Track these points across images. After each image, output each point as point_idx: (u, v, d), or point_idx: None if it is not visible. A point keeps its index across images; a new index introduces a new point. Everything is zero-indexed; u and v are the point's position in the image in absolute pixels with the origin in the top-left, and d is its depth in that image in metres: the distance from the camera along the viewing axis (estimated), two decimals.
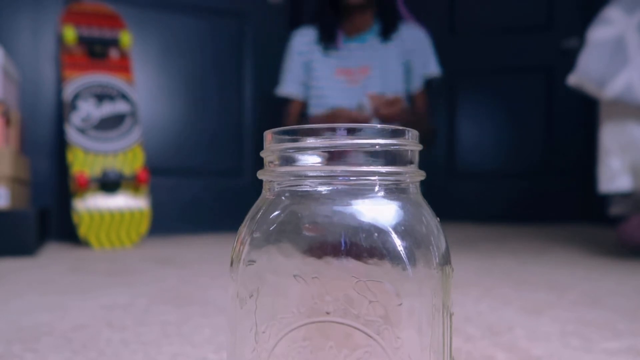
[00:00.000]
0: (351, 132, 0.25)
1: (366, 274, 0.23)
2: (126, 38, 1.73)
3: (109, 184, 1.59)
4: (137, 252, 1.43)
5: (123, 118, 1.68)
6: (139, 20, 1.89)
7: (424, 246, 0.25)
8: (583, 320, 0.66)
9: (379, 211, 0.25)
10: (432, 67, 1.60)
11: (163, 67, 1.96)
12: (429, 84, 1.63)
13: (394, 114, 1.40)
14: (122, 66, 1.74)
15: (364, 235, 0.24)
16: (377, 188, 0.25)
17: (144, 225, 1.61)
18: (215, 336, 0.58)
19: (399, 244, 0.24)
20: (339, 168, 0.25)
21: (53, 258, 1.29)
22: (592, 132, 1.97)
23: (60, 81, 1.74)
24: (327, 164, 0.25)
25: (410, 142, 0.26)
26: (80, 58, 1.69)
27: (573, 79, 1.30)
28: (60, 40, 1.71)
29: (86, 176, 1.54)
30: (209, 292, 0.85)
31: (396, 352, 0.23)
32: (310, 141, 0.25)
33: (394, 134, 0.26)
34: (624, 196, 1.34)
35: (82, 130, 1.62)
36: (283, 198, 0.26)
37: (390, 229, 0.24)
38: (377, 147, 0.25)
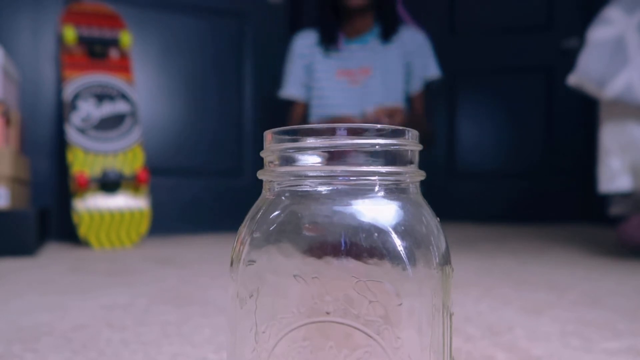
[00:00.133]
0: (351, 132, 0.25)
1: (366, 274, 0.23)
2: (126, 38, 1.73)
3: (109, 184, 1.59)
4: (137, 252, 1.43)
5: (123, 118, 1.68)
6: (139, 20, 1.89)
7: (424, 246, 0.25)
8: (583, 320, 0.66)
9: (379, 211, 0.25)
10: (432, 70, 1.61)
11: (163, 67, 1.96)
12: (428, 86, 1.63)
13: (394, 124, 1.41)
14: (122, 66, 1.74)
15: (364, 235, 0.24)
16: (377, 188, 0.25)
17: (144, 225, 1.61)
18: (215, 336, 0.58)
19: (399, 244, 0.24)
20: (339, 168, 0.25)
21: (53, 258, 1.29)
22: (592, 132, 1.97)
23: (60, 81, 1.74)
24: (327, 164, 0.25)
25: (410, 142, 0.26)
26: (80, 58, 1.69)
27: (573, 79, 1.30)
28: (60, 40, 1.71)
29: (86, 176, 1.54)
30: (209, 292, 0.85)
31: (396, 352, 0.23)
32: (310, 141, 0.25)
33: (394, 134, 0.26)
34: (624, 196, 1.34)
35: (82, 130, 1.62)
36: (283, 198, 0.26)
37: (390, 229, 0.24)
38: (377, 147, 0.25)
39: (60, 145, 1.76)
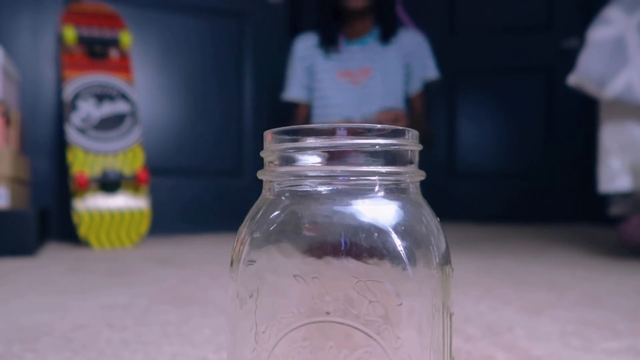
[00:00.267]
0: (351, 132, 0.25)
1: (366, 274, 0.23)
2: (126, 38, 1.73)
3: (109, 184, 1.59)
4: (137, 252, 1.43)
5: (123, 118, 1.68)
6: (139, 20, 1.89)
7: (424, 246, 0.25)
8: (583, 320, 0.66)
9: (379, 211, 0.25)
10: (431, 71, 1.62)
11: (163, 67, 1.96)
12: (427, 86, 1.64)
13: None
14: (122, 66, 1.74)
15: (364, 235, 0.24)
16: (377, 188, 0.25)
17: (144, 225, 1.61)
18: (215, 336, 0.58)
19: (399, 244, 0.24)
20: (339, 168, 0.25)
21: (53, 258, 1.29)
22: (592, 132, 1.97)
23: (60, 81, 1.74)
24: (327, 164, 0.25)
25: (410, 142, 0.26)
26: (80, 58, 1.69)
27: (573, 79, 1.30)
28: (60, 40, 1.71)
29: (86, 176, 1.54)
30: (209, 292, 0.85)
31: (396, 352, 0.23)
32: (310, 141, 0.25)
33: (394, 134, 0.26)
34: (624, 196, 1.34)
35: (82, 130, 1.62)
36: (283, 198, 0.26)
37: (390, 229, 0.24)
38: (377, 147, 0.25)
39: (60, 145, 1.76)
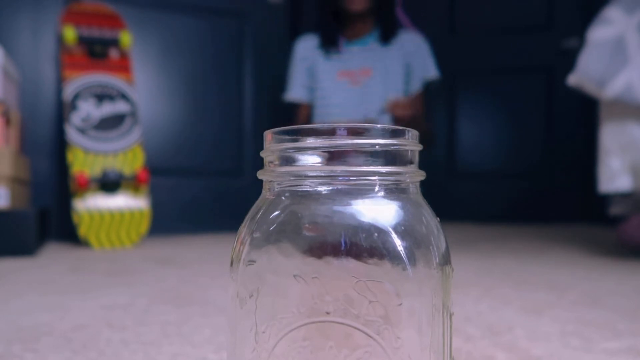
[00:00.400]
0: (351, 132, 0.25)
1: (366, 274, 0.23)
2: (126, 38, 1.73)
3: (109, 184, 1.59)
4: (137, 252, 1.43)
5: (123, 118, 1.68)
6: (139, 20, 1.89)
7: (424, 246, 0.25)
8: (583, 320, 0.66)
9: (379, 211, 0.25)
10: (431, 70, 1.63)
11: (163, 67, 1.96)
12: (427, 86, 1.65)
13: (408, 116, 1.48)
14: (122, 66, 1.74)
15: (364, 235, 0.24)
16: (377, 188, 0.25)
17: (144, 225, 1.61)
18: (215, 336, 0.58)
19: (399, 244, 0.24)
20: (339, 168, 0.25)
21: (53, 258, 1.29)
22: (592, 132, 1.97)
23: (60, 81, 1.74)
24: (327, 164, 0.25)
25: (410, 142, 0.26)
26: (80, 58, 1.69)
27: (573, 79, 1.30)
28: (60, 40, 1.71)
29: (86, 176, 1.54)
30: (209, 292, 0.85)
31: (396, 352, 0.23)
32: (310, 141, 0.25)
33: (394, 134, 0.26)
34: (624, 196, 1.34)
35: (82, 130, 1.62)
36: (283, 198, 0.26)
37: (390, 229, 0.24)
38: (377, 147, 0.25)
39: (60, 145, 1.76)
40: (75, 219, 1.55)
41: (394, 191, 0.25)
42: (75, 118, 1.62)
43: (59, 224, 1.75)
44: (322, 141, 0.25)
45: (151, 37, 1.93)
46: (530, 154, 2.49)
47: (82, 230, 1.54)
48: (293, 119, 1.73)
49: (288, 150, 0.26)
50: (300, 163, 0.25)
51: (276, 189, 0.27)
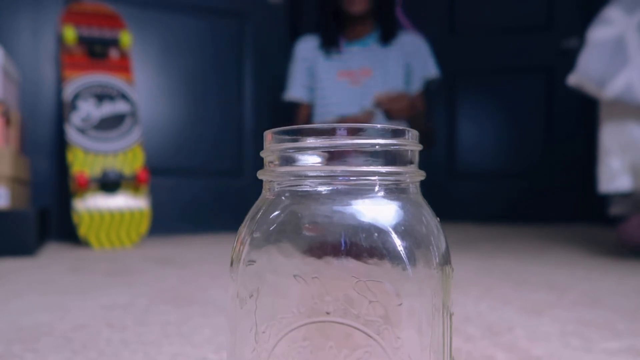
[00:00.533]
0: (351, 132, 0.25)
1: (366, 274, 0.23)
2: (126, 38, 1.73)
3: (109, 184, 1.59)
4: (137, 252, 1.43)
5: (123, 118, 1.68)
6: (139, 20, 1.89)
7: (424, 246, 0.25)
8: (583, 320, 0.66)
9: (379, 211, 0.25)
10: (431, 70, 1.63)
11: (163, 67, 1.96)
12: (428, 86, 1.65)
13: (399, 109, 1.44)
14: (122, 66, 1.74)
15: (364, 235, 0.24)
16: (377, 188, 0.25)
17: (144, 225, 1.61)
18: (215, 336, 0.58)
19: (399, 244, 0.24)
20: (339, 168, 0.25)
21: (53, 258, 1.29)
22: (592, 132, 1.97)
23: (60, 81, 1.74)
24: (327, 164, 0.25)
25: (410, 142, 0.26)
26: (80, 58, 1.69)
27: (573, 79, 1.30)
28: (60, 40, 1.71)
29: (86, 176, 1.54)
30: (209, 292, 0.85)
31: (396, 352, 0.23)
32: (310, 141, 0.25)
33: (394, 134, 0.26)
34: (624, 196, 1.34)
35: (82, 130, 1.62)
36: (283, 198, 0.26)
37: (390, 229, 0.24)
38: (377, 147, 0.25)
39: (60, 145, 1.76)
40: (75, 219, 1.55)
41: (394, 191, 0.25)
42: (75, 118, 1.62)
43: (59, 224, 1.75)
44: (322, 141, 0.25)
45: (151, 37, 1.93)
46: (530, 154, 2.49)
47: (82, 230, 1.54)
48: (293, 118, 1.74)
49: (288, 150, 0.26)
50: (300, 163, 0.25)
51: (276, 189, 0.27)
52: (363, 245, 0.24)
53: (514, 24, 2.48)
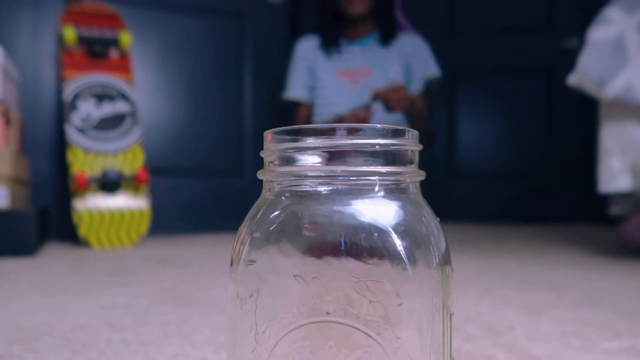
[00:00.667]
0: (351, 132, 0.25)
1: (366, 274, 0.23)
2: (126, 38, 1.73)
3: (109, 184, 1.59)
4: (137, 252, 1.43)
5: (123, 118, 1.68)
6: (139, 20, 1.89)
7: (424, 246, 0.25)
8: (583, 320, 0.66)
9: (379, 211, 0.25)
10: (431, 69, 1.63)
11: (163, 67, 1.96)
12: (429, 86, 1.65)
13: (398, 99, 1.41)
14: (122, 66, 1.74)
15: (364, 235, 0.24)
16: (377, 188, 0.25)
17: (144, 225, 1.61)
18: (215, 336, 0.58)
19: (399, 244, 0.24)
20: (339, 168, 0.25)
21: (53, 258, 1.29)
22: (592, 132, 1.97)
23: (60, 81, 1.74)
24: (327, 164, 0.25)
25: (410, 142, 0.26)
26: (80, 58, 1.69)
27: (573, 79, 1.30)
28: (60, 40, 1.71)
29: (86, 176, 1.54)
30: (209, 292, 0.85)
31: (396, 352, 0.23)
32: (310, 141, 0.25)
33: (394, 134, 0.26)
34: (624, 196, 1.34)
35: (82, 130, 1.62)
36: (283, 198, 0.26)
37: (390, 229, 0.24)
38: (377, 147, 0.25)
39: (60, 145, 1.76)
40: (75, 219, 1.55)
41: (394, 191, 0.25)
42: (75, 118, 1.62)
43: (59, 224, 1.75)
44: (322, 141, 0.25)
45: (151, 37, 1.93)
46: (530, 154, 2.49)
47: (82, 230, 1.54)
48: (292, 118, 1.74)
49: (288, 150, 0.26)
50: (300, 163, 0.25)
51: (276, 189, 0.27)
52: (363, 245, 0.24)
53: (514, 24, 2.48)
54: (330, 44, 1.64)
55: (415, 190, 0.27)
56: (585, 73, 1.26)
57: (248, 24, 2.11)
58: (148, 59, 1.93)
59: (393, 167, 0.25)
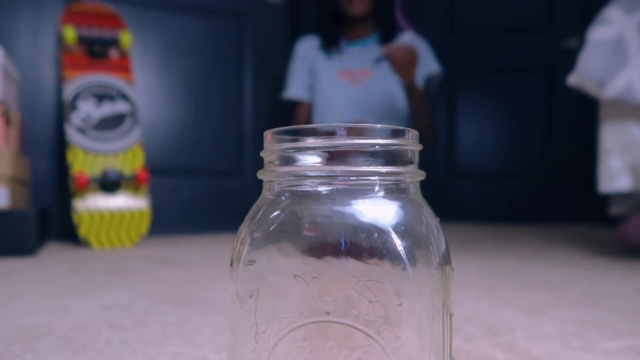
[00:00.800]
0: (351, 132, 0.25)
1: (366, 274, 0.23)
2: (126, 38, 1.73)
3: (109, 184, 1.59)
4: (137, 252, 1.43)
5: (123, 118, 1.68)
6: (139, 20, 1.89)
7: (424, 246, 0.25)
8: (583, 320, 0.66)
9: (379, 211, 0.25)
10: (432, 67, 1.63)
11: (163, 67, 1.96)
12: (430, 84, 1.65)
13: (406, 61, 1.39)
14: (122, 66, 1.74)
15: (364, 235, 0.24)
16: (377, 188, 0.25)
17: (144, 225, 1.61)
18: (215, 336, 0.58)
19: (399, 244, 0.24)
20: (339, 168, 0.25)
21: (53, 258, 1.29)
22: (592, 132, 1.97)
23: (60, 81, 1.74)
24: (327, 164, 0.25)
25: (411, 142, 0.26)
26: (80, 58, 1.69)
27: (573, 79, 1.30)
28: (60, 40, 1.71)
29: (86, 176, 1.53)
30: (209, 292, 0.85)
31: (396, 352, 0.23)
32: (310, 141, 0.25)
33: (394, 134, 0.26)
34: (624, 196, 1.34)
35: (82, 130, 1.62)
36: (283, 198, 0.26)
37: (390, 229, 0.24)
38: (377, 147, 0.25)
39: (60, 145, 1.76)
40: (75, 219, 1.55)
41: (394, 191, 0.25)
42: (75, 118, 1.62)
43: (59, 224, 1.75)
44: (322, 141, 0.25)
45: (151, 37, 1.93)
46: (530, 154, 2.49)
47: (82, 230, 1.54)
48: (292, 118, 1.74)
49: (288, 150, 0.26)
50: (300, 163, 0.25)
51: (276, 189, 0.27)
52: (363, 245, 0.24)
53: (514, 24, 2.48)
54: (330, 44, 1.64)
55: (415, 190, 0.27)
56: (585, 73, 1.26)
57: (248, 24, 2.11)
58: (148, 59, 1.93)
59: (393, 167, 0.25)
